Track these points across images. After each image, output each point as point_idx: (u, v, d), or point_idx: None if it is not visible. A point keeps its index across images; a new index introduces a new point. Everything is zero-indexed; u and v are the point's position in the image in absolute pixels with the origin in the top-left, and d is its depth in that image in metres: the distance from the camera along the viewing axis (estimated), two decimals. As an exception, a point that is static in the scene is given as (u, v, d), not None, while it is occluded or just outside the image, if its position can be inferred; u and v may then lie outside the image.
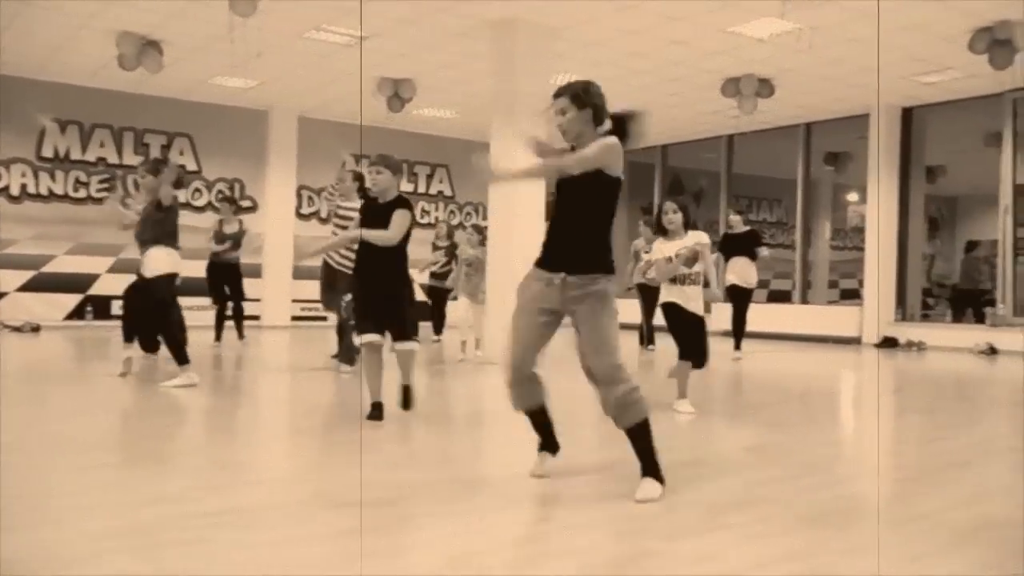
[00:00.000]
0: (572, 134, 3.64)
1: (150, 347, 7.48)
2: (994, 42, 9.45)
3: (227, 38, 9.62)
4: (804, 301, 15.30)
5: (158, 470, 3.93)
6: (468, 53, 10.71)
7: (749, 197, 18.19)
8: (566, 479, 3.76)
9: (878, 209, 13.79)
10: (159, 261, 6.50)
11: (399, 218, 5.07)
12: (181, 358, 6.47)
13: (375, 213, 5.16)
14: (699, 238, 5.78)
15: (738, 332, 10.02)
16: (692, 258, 5.71)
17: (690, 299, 5.75)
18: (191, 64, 11.63)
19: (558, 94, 3.67)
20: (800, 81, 11.95)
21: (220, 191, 13.99)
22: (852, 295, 15.94)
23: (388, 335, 5.15)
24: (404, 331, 5.13)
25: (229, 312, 10.55)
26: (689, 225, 5.82)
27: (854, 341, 13.62)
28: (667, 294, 5.84)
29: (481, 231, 9.63)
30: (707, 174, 17.17)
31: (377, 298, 5.10)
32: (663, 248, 5.83)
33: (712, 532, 3.05)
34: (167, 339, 6.60)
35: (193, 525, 2.98)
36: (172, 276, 6.58)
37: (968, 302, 14.52)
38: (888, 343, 13.17)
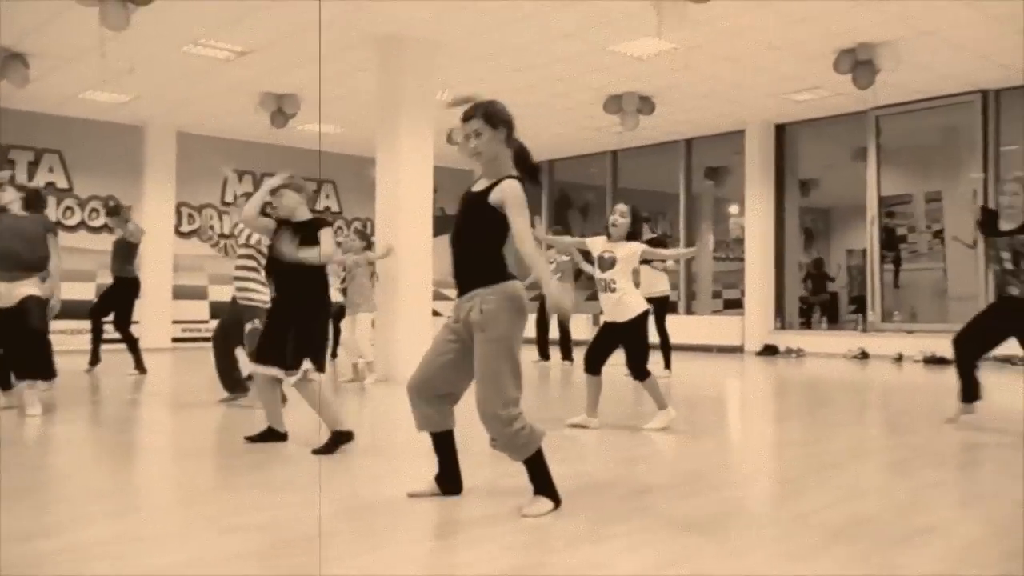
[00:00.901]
0: (488, 156, 3.51)
1: (7, 384, 6.59)
2: (857, 63, 9.96)
3: (98, 51, 9.23)
4: (689, 311, 15.74)
5: (29, 503, 3.71)
6: (352, 68, 10.61)
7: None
8: (444, 497, 3.74)
9: (756, 221, 14.36)
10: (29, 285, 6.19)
11: (327, 236, 4.95)
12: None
13: (292, 233, 4.93)
14: (635, 249, 5.68)
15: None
16: (611, 263, 5.64)
17: (616, 308, 5.65)
18: (60, 77, 11.13)
19: (469, 115, 3.51)
20: (679, 98, 12.32)
21: (106, 204, 13.31)
22: (735, 305, 16.49)
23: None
24: (320, 360, 4.89)
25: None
26: (636, 236, 5.74)
27: (737, 349, 14.08)
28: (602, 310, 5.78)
29: (364, 235, 9.28)
30: (593, 188, 17.50)
31: (290, 328, 4.86)
32: (597, 244, 5.75)
33: (595, 543, 3.08)
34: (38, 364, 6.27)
35: (68, 559, 2.83)
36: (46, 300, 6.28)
37: (862, 308, 15.06)
38: (769, 350, 13.67)
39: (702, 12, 8.46)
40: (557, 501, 3.48)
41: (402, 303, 9.23)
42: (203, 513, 3.55)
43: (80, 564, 2.80)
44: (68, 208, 13.46)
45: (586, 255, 6.60)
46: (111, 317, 9.61)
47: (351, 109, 12.77)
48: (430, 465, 3.83)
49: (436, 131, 9.72)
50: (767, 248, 14.38)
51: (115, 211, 10.12)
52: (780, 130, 14.37)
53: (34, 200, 6.55)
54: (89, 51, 9.67)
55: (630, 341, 5.76)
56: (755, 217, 14.41)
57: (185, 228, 14.72)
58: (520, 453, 3.46)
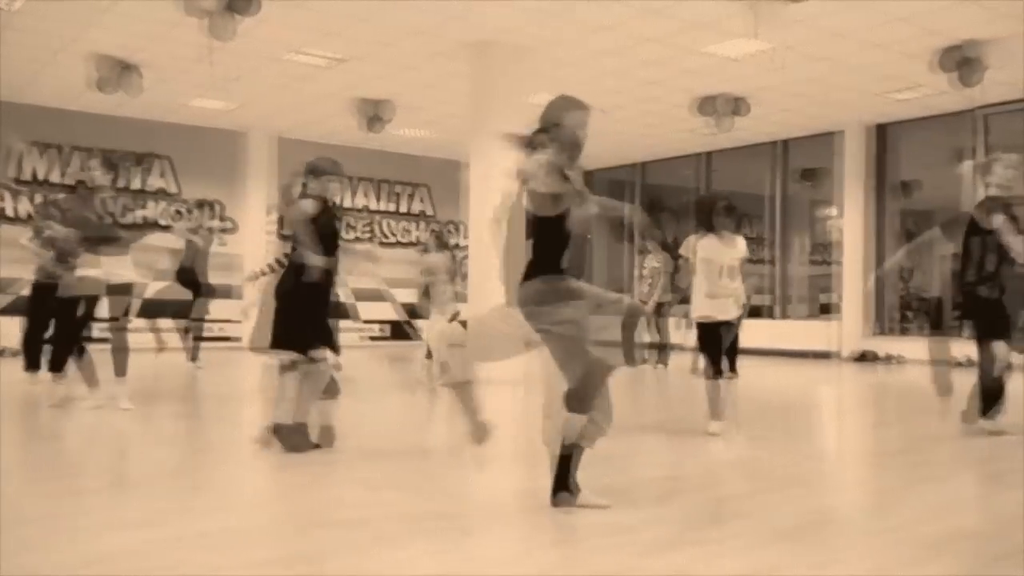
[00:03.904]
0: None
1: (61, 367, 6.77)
2: (962, 60, 9.62)
3: (205, 60, 9.64)
4: (782, 316, 15.43)
5: (134, 494, 3.92)
6: (445, 74, 10.79)
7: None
8: (538, 497, 3.79)
9: (853, 224, 14.00)
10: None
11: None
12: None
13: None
14: (744, 247, 5.68)
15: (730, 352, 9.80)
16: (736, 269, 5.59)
17: (731, 307, 5.63)
18: (169, 86, 11.65)
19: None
20: (774, 99, 12.11)
21: (178, 210, 13.89)
22: (830, 309, 16.09)
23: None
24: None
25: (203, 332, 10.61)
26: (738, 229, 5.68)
27: (832, 355, 13.75)
28: (708, 308, 5.64)
29: (440, 236, 9.34)
30: (685, 190, 17.32)
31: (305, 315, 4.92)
32: (718, 250, 5.56)
33: (684, 548, 3.09)
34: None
35: (170, 548, 2.99)
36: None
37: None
38: (865, 357, 13.30)
39: (798, 11, 8.33)
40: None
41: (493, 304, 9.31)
42: (301, 508, 3.70)
43: (182, 554, 2.93)
44: (177, 211, 14.04)
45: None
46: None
47: (444, 114, 12.98)
48: (528, 472, 3.87)
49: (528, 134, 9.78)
50: (864, 252, 14.00)
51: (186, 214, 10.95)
52: (880, 130, 13.95)
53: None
54: (197, 61, 10.11)
55: (733, 337, 5.77)
56: (852, 220, 14.04)
57: (286, 231, 15.16)
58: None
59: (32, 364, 7.81)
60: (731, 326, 5.72)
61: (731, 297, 5.62)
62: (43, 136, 12.96)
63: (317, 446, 4.88)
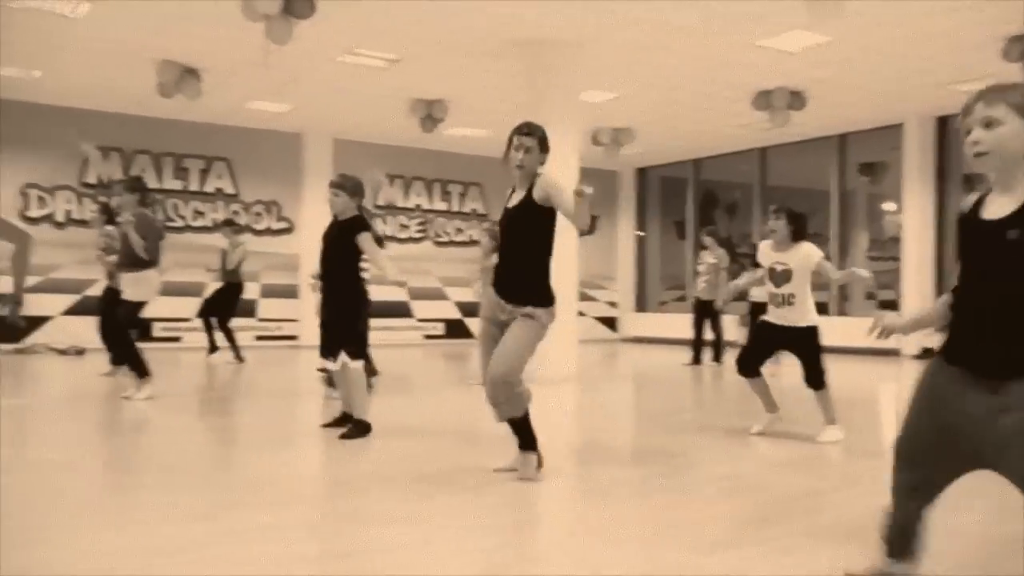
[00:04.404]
0: (528, 171, 4.09)
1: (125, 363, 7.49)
2: (1029, 49, 9.34)
3: (263, 63, 9.82)
4: (841, 313, 15.16)
5: (192, 489, 4.00)
6: (498, 73, 10.82)
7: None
8: (591, 493, 3.79)
9: (915, 219, 13.71)
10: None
11: (366, 243, 5.49)
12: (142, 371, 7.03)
13: (337, 232, 5.63)
14: (809, 254, 5.33)
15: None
16: (786, 276, 5.33)
17: (789, 313, 5.36)
18: (228, 90, 11.88)
19: (529, 132, 4.12)
20: (832, 93, 11.90)
21: (228, 218, 14.12)
22: (890, 306, 15.76)
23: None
24: (341, 347, 5.47)
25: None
26: (802, 235, 5.37)
27: (893, 353, 13.47)
28: (769, 310, 5.53)
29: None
30: (741, 186, 17.13)
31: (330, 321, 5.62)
32: (766, 255, 5.49)
33: (741, 547, 3.07)
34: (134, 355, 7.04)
35: (223, 542, 3.06)
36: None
37: None
38: (928, 354, 12.98)
39: (856, 2, 8.17)
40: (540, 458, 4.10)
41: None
42: (354, 504, 3.74)
43: (234, 548, 3.00)
44: (235, 212, 14.31)
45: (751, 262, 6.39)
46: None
47: (496, 112, 13.02)
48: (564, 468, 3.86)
49: (581, 132, 9.77)
50: (926, 247, 13.69)
51: (230, 223, 11.69)
52: (942, 123, 13.63)
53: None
54: (255, 64, 10.30)
55: (804, 349, 5.45)
56: (914, 215, 13.75)
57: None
58: (509, 410, 4.02)
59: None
60: (787, 331, 5.40)
61: (785, 305, 5.36)
62: (107, 140, 13.30)
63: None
